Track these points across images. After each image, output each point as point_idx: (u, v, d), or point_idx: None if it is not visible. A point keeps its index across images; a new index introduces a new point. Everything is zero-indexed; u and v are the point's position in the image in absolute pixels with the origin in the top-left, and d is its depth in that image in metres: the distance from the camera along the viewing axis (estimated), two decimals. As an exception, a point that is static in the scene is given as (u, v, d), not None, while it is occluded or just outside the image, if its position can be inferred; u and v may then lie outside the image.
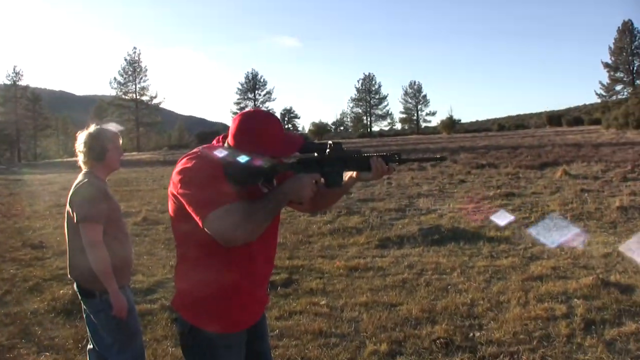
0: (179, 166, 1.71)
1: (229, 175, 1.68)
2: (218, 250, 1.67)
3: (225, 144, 1.78)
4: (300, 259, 6.08)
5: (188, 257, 1.80)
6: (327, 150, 1.84)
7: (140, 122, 67.15)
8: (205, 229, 1.59)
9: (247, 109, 1.79)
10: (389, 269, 5.49)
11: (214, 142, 1.84)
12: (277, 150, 1.72)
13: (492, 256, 5.80)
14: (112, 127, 2.82)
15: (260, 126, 1.71)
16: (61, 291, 4.94)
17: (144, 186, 16.06)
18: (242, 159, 1.70)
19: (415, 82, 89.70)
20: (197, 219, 1.60)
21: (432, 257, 5.85)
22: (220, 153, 1.73)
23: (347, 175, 1.96)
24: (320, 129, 70.95)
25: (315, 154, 1.84)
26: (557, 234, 6.57)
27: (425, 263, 5.64)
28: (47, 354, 3.68)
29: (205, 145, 1.81)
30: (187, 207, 1.64)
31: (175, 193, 1.69)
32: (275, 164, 1.80)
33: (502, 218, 7.70)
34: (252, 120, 1.72)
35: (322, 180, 1.84)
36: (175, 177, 1.70)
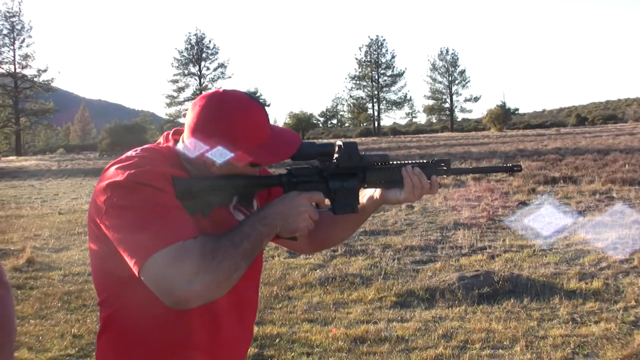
0: (104, 180, 1.70)
1: (182, 194, 1.69)
2: (168, 312, 1.67)
3: (179, 144, 1.79)
4: (276, 324, 6.06)
5: (118, 321, 1.79)
6: (335, 155, 1.86)
7: (21, 109, 66.53)
8: (143, 280, 1.58)
9: (212, 90, 1.79)
10: (413, 340, 5.49)
11: (161, 140, 1.85)
12: (260, 153, 1.73)
13: (575, 320, 5.82)
14: None
15: (235, 116, 1.72)
16: None
17: (28, 210, 15.92)
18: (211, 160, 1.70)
19: (447, 51, 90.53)
20: (130, 263, 1.59)
21: (480, 322, 5.85)
22: (171, 158, 1.73)
23: (366, 194, 1.98)
24: (301, 122, 71.24)
25: (317, 162, 1.86)
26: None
27: (469, 331, 5.65)
28: None
29: (146, 146, 1.81)
30: (116, 244, 1.63)
31: (99, 221, 1.68)
32: (255, 177, 1.80)
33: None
34: (222, 105, 1.73)
35: (327, 202, 1.86)
36: (98, 195, 1.69)
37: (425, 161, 1.94)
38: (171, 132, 1.87)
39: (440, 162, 1.95)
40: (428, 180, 1.92)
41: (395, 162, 1.92)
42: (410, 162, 1.93)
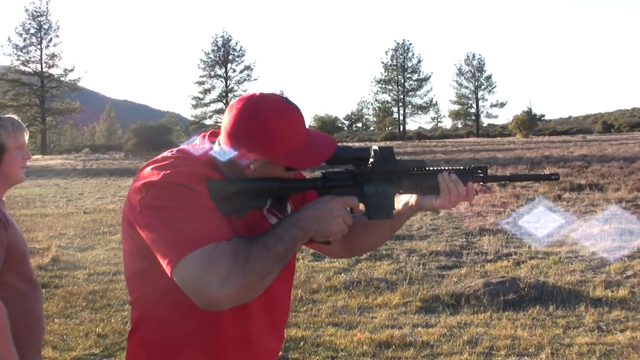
0: (139, 180, 1.72)
1: (217, 195, 1.69)
2: (199, 313, 1.67)
3: (215, 146, 1.79)
4: (301, 327, 6.07)
5: (149, 321, 1.80)
6: (371, 159, 1.85)
7: (47, 108, 67.10)
8: (175, 280, 1.58)
9: (250, 93, 1.78)
10: (438, 346, 5.48)
11: (197, 141, 1.85)
12: (295, 157, 1.72)
13: (600, 328, 5.80)
14: (10, 117, 2.78)
15: (271, 119, 1.71)
16: None
17: (53, 209, 16.08)
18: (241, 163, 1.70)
19: (474, 56, 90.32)
20: (163, 263, 1.60)
21: (505, 329, 5.84)
22: (206, 159, 1.74)
23: (401, 200, 1.96)
24: (325, 125, 71.46)
25: (352, 166, 1.85)
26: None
27: (495, 337, 5.63)
28: None
29: (182, 147, 1.81)
30: (149, 244, 1.64)
31: (133, 221, 1.69)
32: (290, 180, 1.80)
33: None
34: (259, 109, 1.73)
35: (362, 207, 1.84)
36: (133, 195, 1.70)
37: (461, 168, 1.93)
38: (207, 133, 1.87)
39: (477, 169, 1.94)
40: (464, 187, 1.91)
41: (431, 168, 1.91)
42: (446, 168, 1.92)
